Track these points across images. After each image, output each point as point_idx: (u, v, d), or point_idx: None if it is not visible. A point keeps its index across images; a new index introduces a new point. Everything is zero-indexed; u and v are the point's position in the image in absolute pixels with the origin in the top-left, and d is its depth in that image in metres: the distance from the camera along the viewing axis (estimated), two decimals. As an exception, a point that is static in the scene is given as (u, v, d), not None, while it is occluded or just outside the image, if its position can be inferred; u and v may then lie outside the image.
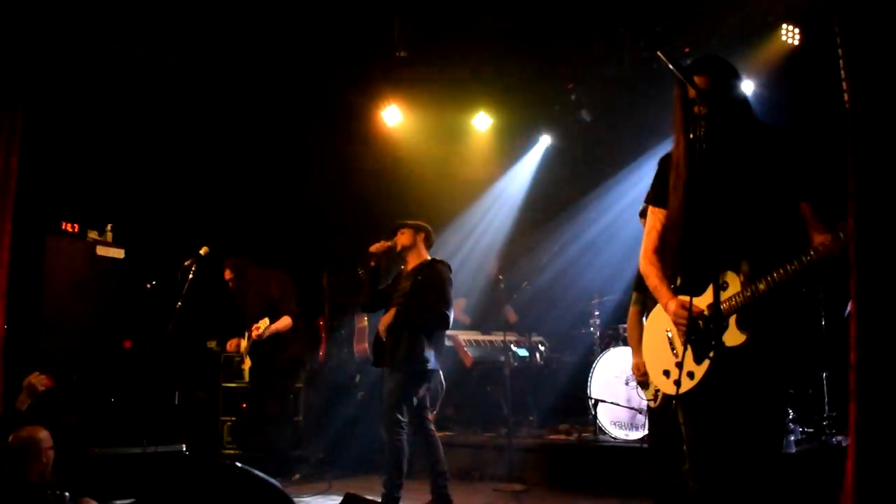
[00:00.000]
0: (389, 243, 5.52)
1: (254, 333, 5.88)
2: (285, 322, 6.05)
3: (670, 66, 2.55)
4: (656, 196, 3.06)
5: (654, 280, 3.01)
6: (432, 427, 5.51)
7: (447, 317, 5.35)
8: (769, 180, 2.73)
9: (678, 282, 2.95)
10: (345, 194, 9.65)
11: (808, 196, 2.77)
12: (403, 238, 5.56)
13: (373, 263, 5.49)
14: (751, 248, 2.73)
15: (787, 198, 2.77)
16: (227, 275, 6.17)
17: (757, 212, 2.73)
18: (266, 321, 5.89)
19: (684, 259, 2.90)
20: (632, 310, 4.90)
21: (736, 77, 2.85)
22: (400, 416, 5.20)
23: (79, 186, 7.99)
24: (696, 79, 2.78)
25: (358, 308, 6.20)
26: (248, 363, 6.04)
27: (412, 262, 5.58)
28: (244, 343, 6.07)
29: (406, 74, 8.49)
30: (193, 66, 8.14)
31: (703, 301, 2.78)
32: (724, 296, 2.72)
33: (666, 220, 2.98)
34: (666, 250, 2.98)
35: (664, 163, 3.03)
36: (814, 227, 2.75)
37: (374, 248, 5.49)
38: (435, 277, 5.41)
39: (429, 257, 5.61)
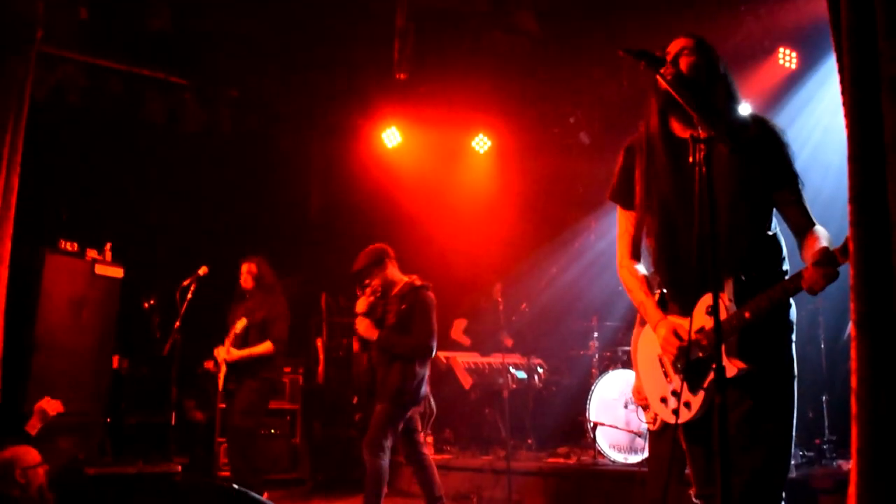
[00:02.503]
0: (371, 297, 5.35)
1: (227, 355, 5.99)
2: (265, 348, 6.08)
3: (671, 91, 2.54)
4: (622, 195, 2.94)
5: (639, 295, 2.87)
6: (425, 451, 5.45)
7: (431, 348, 5.28)
8: (752, 185, 2.63)
9: (664, 294, 2.85)
10: (344, 215, 9.68)
11: (789, 184, 2.67)
12: (377, 280, 5.38)
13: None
14: (735, 265, 2.62)
15: (767, 195, 2.67)
16: (252, 270, 6.23)
17: (741, 223, 2.63)
18: (238, 352, 6.01)
19: (667, 274, 2.80)
20: (636, 331, 4.86)
21: (717, 56, 2.77)
22: (384, 442, 5.12)
23: (78, 205, 8.01)
24: (683, 40, 2.74)
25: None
26: (223, 371, 6.07)
27: (395, 287, 5.43)
28: (223, 351, 6.09)
29: (406, 96, 8.55)
30: (195, 86, 8.19)
31: (688, 323, 2.64)
32: (712, 322, 2.48)
33: (639, 224, 2.89)
34: (647, 259, 2.87)
35: (629, 156, 2.91)
36: (799, 228, 2.67)
37: (360, 309, 5.34)
38: (419, 305, 5.28)
39: (406, 278, 5.46)
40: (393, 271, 5.46)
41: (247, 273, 6.30)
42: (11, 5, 4.76)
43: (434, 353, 5.32)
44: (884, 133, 2.21)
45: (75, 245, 6.74)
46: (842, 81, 2.36)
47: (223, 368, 6.08)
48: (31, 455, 4.18)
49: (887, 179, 2.21)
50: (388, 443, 5.17)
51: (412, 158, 9.20)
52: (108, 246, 7.04)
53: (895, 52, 2.17)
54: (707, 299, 2.64)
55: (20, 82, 5.08)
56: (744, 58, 7.32)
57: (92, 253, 6.85)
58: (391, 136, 9.07)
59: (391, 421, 5.17)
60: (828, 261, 2.44)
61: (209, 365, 6.36)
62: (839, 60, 2.39)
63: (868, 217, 2.27)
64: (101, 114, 7.83)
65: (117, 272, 6.99)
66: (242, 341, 6.10)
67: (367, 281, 5.40)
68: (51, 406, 4.76)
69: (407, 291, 5.35)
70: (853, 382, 2.38)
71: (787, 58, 7.45)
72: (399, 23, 7.16)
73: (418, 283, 5.41)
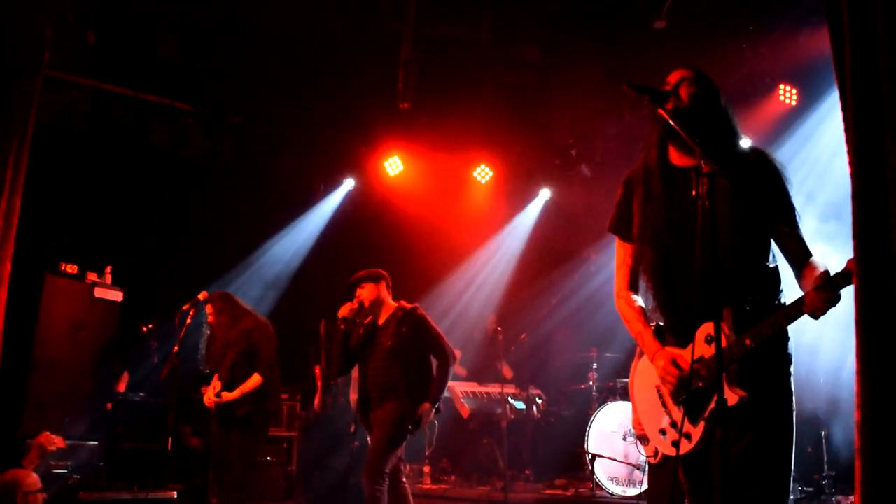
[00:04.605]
0: (355, 305, 5.33)
1: (216, 395, 5.84)
2: (254, 382, 5.90)
3: (673, 126, 2.56)
4: (621, 227, 2.94)
5: (636, 325, 2.86)
6: (405, 480, 5.37)
7: (452, 351, 5.30)
8: (752, 217, 2.62)
9: (661, 323, 2.83)
10: (345, 243, 9.69)
11: (787, 217, 2.66)
12: (366, 293, 5.37)
13: (342, 327, 5.32)
14: (734, 296, 2.60)
15: (766, 228, 2.67)
16: (210, 310, 6.09)
17: (740, 254, 2.61)
18: (230, 395, 5.83)
19: (664, 304, 2.77)
20: (634, 362, 4.85)
21: (716, 88, 2.78)
22: (385, 470, 5.06)
23: (80, 228, 8.03)
24: (682, 71, 2.75)
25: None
26: (214, 412, 5.98)
27: (383, 314, 5.40)
28: (212, 391, 5.96)
29: (408, 126, 8.61)
30: (200, 113, 8.26)
31: (686, 353, 2.63)
32: (711, 350, 2.52)
33: (637, 255, 2.87)
34: (644, 290, 2.85)
35: (628, 188, 2.92)
36: (797, 260, 2.65)
37: (342, 313, 5.31)
38: (420, 324, 5.29)
39: (395, 304, 5.44)
40: (385, 294, 5.45)
41: (210, 316, 6.15)
42: (19, 28, 4.79)
43: (456, 357, 5.42)
44: (887, 171, 2.23)
45: (75, 268, 6.74)
46: (845, 120, 2.38)
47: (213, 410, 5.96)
48: (31, 479, 4.18)
49: (891, 217, 2.22)
50: (388, 470, 5.11)
51: (414, 187, 9.26)
52: (109, 269, 7.04)
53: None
54: (707, 328, 2.63)
55: (26, 105, 5.10)
56: (745, 94, 7.39)
57: (92, 276, 6.85)
58: (393, 165, 9.14)
59: (393, 446, 5.11)
60: (829, 285, 2.42)
61: (207, 391, 6.29)
62: (842, 99, 2.41)
63: (871, 254, 2.28)
64: (106, 138, 7.87)
65: (117, 295, 7.00)
66: (231, 381, 5.92)
67: (357, 291, 5.39)
68: (49, 441, 4.74)
69: (402, 315, 5.33)
70: (857, 416, 2.37)
71: (787, 94, 7.53)
72: (404, 53, 7.23)
73: (408, 305, 5.41)
